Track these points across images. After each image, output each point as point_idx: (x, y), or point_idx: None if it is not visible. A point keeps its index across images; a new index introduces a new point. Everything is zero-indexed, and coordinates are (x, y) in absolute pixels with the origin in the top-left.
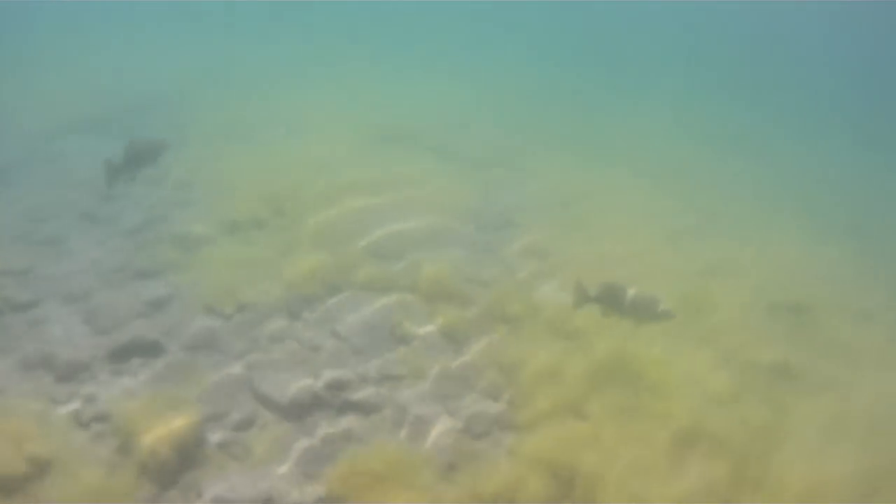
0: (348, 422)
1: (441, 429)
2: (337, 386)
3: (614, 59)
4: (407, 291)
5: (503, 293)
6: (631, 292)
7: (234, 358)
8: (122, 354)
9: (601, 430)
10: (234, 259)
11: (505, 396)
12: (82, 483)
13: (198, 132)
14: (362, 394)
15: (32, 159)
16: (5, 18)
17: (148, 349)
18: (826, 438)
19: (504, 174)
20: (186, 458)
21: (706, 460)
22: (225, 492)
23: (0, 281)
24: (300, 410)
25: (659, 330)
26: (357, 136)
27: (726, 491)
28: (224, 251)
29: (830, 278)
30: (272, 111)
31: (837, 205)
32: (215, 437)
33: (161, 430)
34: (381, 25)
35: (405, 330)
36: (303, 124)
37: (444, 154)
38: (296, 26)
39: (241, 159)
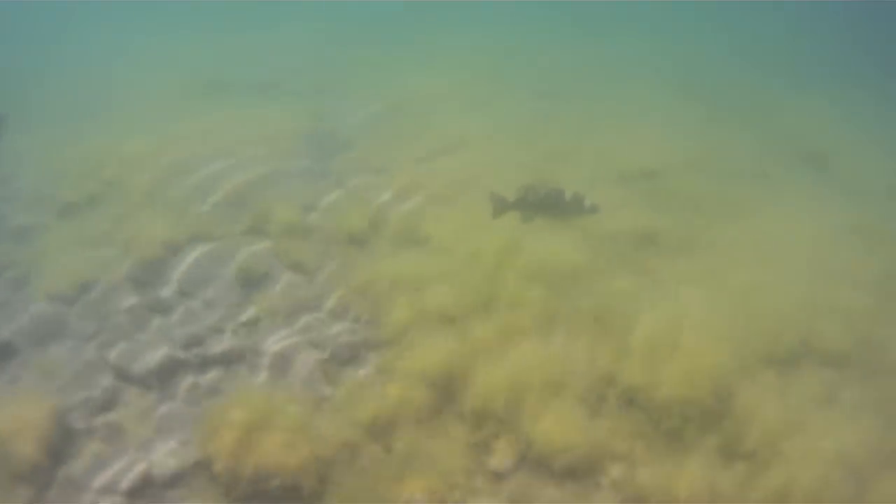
0: (212, 378)
1: (306, 362)
2: (194, 343)
3: None
4: (247, 234)
5: (344, 213)
6: (569, 193)
7: (86, 340)
8: None
9: (467, 332)
10: (70, 241)
11: (366, 317)
12: None
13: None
14: (221, 346)
15: None
16: None
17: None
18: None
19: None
20: (58, 452)
21: (570, 336)
22: (104, 479)
23: None
24: (162, 378)
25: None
26: (188, 93)
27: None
28: (58, 236)
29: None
30: (99, 85)
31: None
32: (82, 424)
33: (25, 431)
34: None
35: (254, 273)
36: (133, 92)
37: (269, 92)
38: None
39: (71, 140)
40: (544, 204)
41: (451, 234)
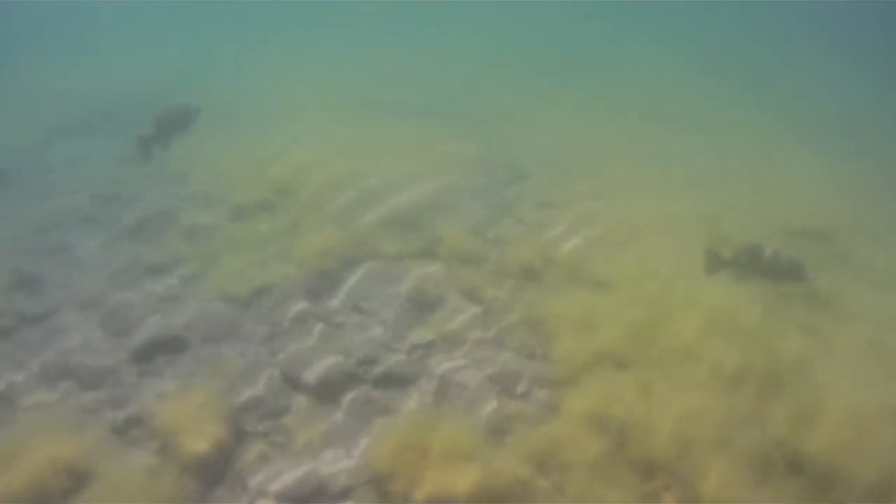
0: (385, 396)
1: (477, 391)
2: (367, 360)
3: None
4: (424, 258)
5: (520, 246)
6: (768, 251)
7: (258, 344)
8: (146, 355)
9: (644, 378)
10: (244, 244)
11: (539, 352)
12: (125, 491)
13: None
14: (394, 366)
15: (24, 168)
16: None
17: (171, 346)
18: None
19: (507, 131)
20: (228, 452)
21: (758, 398)
22: (272, 483)
23: (11, 295)
24: (334, 390)
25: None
26: (350, 109)
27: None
28: (231, 238)
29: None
30: (262, 95)
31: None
32: (253, 426)
33: (198, 427)
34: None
35: (428, 296)
36: (296, 103)
37: (442, 116)
38: (268, 18)
39: (238, 144)
40: (764, 267)
41: (625, 276)
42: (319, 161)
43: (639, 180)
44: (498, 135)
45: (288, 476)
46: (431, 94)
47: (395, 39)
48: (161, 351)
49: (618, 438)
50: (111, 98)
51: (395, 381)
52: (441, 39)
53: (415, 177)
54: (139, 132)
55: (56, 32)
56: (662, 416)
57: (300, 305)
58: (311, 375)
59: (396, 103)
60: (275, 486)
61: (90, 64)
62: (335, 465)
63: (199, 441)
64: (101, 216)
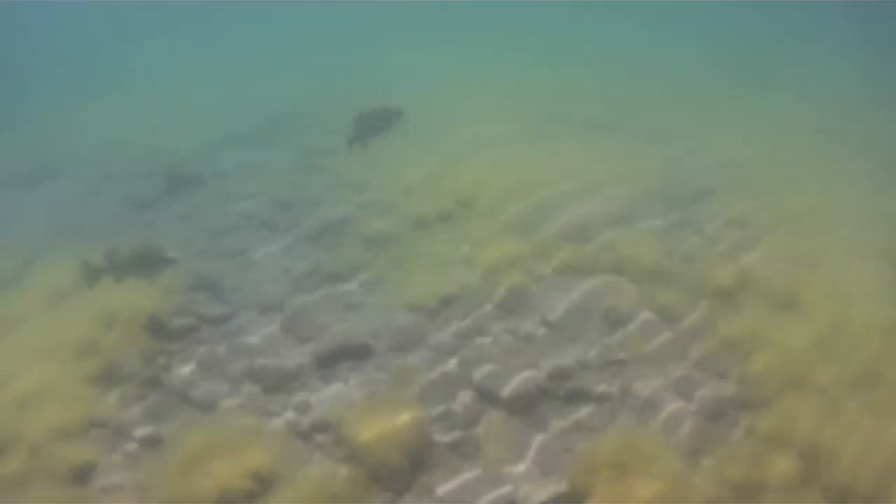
0: (578, 412)
1: (674, 412)
2: (559, 375)
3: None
4: (611, 273)
5: (711, 266)
6: None
7: (446, 354)
8: (330, 360)
9: (840, 404)
10: (427, 255)
11: (733, 374)
12: (311, 496)
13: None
14: (587, 382)
15: (200, 175)
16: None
17: (355, 353)
18: None
19: (680, 147)
20: (417, 461)
21: None
22: (464, 495)
23: (192, 296)
24: (525, 404)
25: None
26: (524, 122)
27: None
28: (414, 247)
29: None
30: (433, 103)
31: None
32: (442, 437)
33: (388, 435)
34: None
35: (618, 312)
36: (464, 115)
37: (614, 131)
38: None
39: (414, 153)
40: None
41: (817, 298)
42: (497, 172)
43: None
44: (674, 149)
45: (478, 489)
46: (603, 107)
47: (567, 54)
48: (346, 357)
49: (812, 463)
50: (275, 107)
51: (588, 398)
52: (612, 52)
53: (593, 190)
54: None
55: (211, 41)
56: (857, 441)
57: (490, 317)
58: (501, 388)
59: (569, 116)
60: (466, 499)
61: (247, 73)
62: (526, 480)
63: (390, 451)
64: (280, 222)
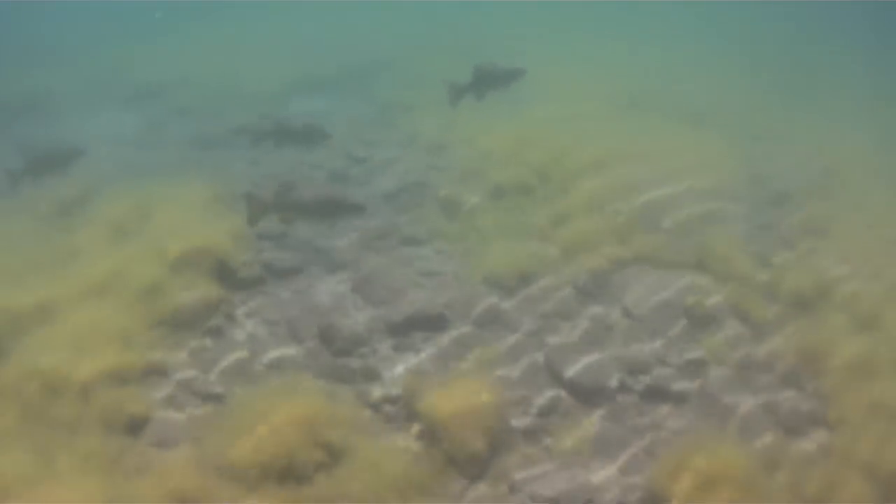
0: (657, 410)
1: (752, 421)
2: (639, 370)
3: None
4: (694, 268)
5: (793, 273)
6: None
7: (525, 335)
8: (403, 328)
9: None
10: (506, 227)
11: (811, 388)
12: (381, 472)
13: (432, 96)
14: (667, 379)
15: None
16: None
17: (430, 323)
18: None
19: (766, 144)
20: (495, 446)
21: None
22: (540, 487)
23: (258, 244)
24: (604, 395)
25: None
26: (606, 103)
27: None
28: (493, 218)
29: None
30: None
31: None
32: (518, 423)
33: (466, 415)
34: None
35: (702, 311)
36: (547, 90)
37: (701, 120)
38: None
39: (495, 120)
40: None
41: None
42: (580, 147)
43: None
44: (760, 149)
45: (555, 481)
46: (691, 97)
47: (664, 37)
48: (420, 327)
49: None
50: (351, 58)
51: (664, 395)
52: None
53: (675, 177)
54: (452, 80)
55: None
56: None
57: (569, 300)
58: (579, 376)
59: (656, 101)
60: (542, 490)
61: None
62: (604, 475)
63: (470, 435)
64: (353, 177)
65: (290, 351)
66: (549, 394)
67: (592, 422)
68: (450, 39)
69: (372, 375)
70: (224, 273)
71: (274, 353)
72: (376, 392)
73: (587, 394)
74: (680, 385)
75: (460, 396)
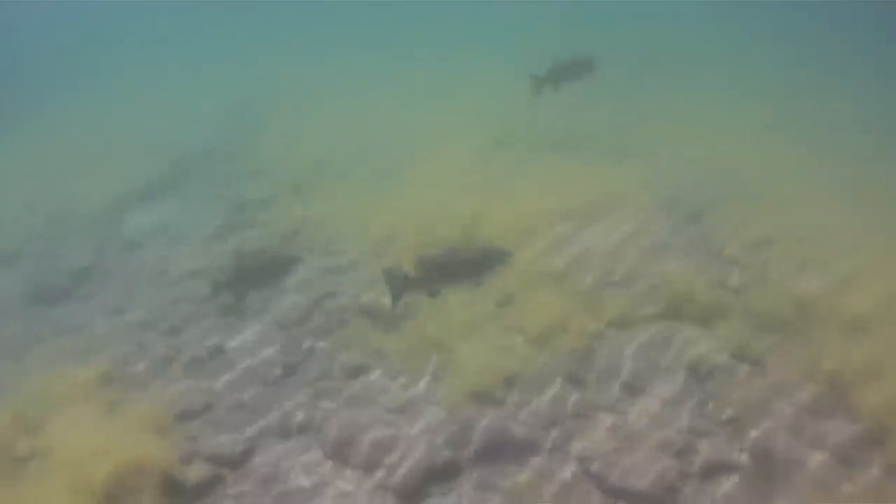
0: (722, 486)
1: (814, 466)
2: (685, 450)
3: None
4: (669, 318)
5: (761, 294)
6: None
7: (547, 453)
8: (412, 492)
9: None
10: (455, 323)
11: (847, 410)
12: None
13: (283, 177)
14: (715, 451)
15: (107, 253)
16: None
17: (441, 474)
18: None
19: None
20: None
21: None
22: None
23: (185, 427)
24: (668, 489)
25: None
26: (476, 149)
27: None
28: (436, 317)
29: None
30: (365, 133)
31: None
32: None
33: None
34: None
35: (703, 364)
36: (416, 140)
37: (578, 147)
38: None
39: (376, 196)
40: None
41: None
42: (484, 208)
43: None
44: (644, 164)
45: None
46: (554, 123)
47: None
48: (432, 482)
49: None
50: (179, 151)
51: (723, 468)
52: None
53: (597, 220)
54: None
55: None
56: None
57: (564, 394)
58: (634, 482)
59: (521, 136)
60: None
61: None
62: None
63: None
64: (245, 307)
65: None
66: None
67: None
68: (272, 107)
69: None
70: (173, 490)
71: None
72: None
73: (651, 498)
74: (729, 452)
75: None
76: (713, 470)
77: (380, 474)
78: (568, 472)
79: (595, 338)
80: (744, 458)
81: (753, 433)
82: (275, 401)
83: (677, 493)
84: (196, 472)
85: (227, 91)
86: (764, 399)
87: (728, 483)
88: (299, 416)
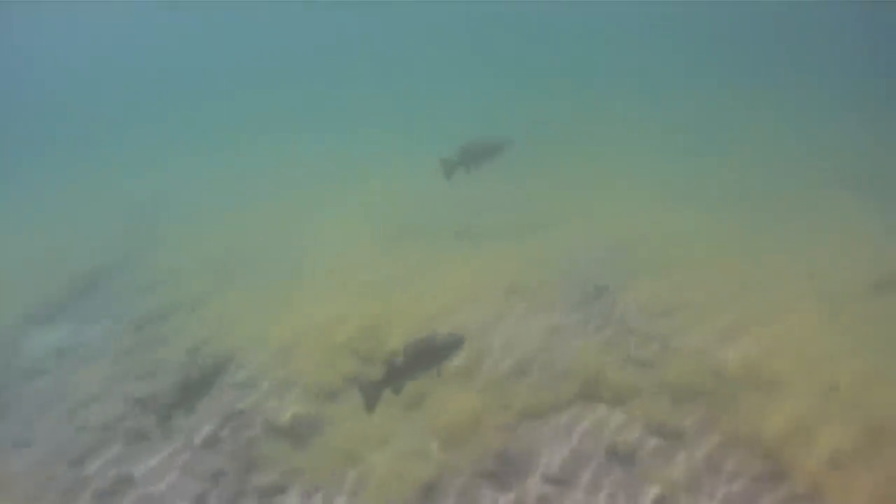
0: None
1: None
2: None
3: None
4: (583, 400)
5: (674, 365)
6: None
7: None
8: None
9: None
10: (365, 434)
11: (773, 471)
12: None
13: (181, 289)
14: None
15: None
16: None
17: None
18: None
19: (550, 237)
20: None
21: None
22: None
23: None
24: None
25: None
26: (374, 238)
27: None
28: (345, 430)
29: None
30: (264, 229)
31: None
32: None
33: None
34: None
35: (620, 445)
36: (311, 238)
37: (479, 234)
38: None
39: (274, 306)
40: None
41: (798, 370)
42: (392, 312)
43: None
44: (544, 244)
45: None
46: (461, 207)
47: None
48: None
49: None
50: (79, 265)
51: None
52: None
53: (504, 312)
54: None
55: None
56: None
57: (492, 497)
58: None
59: (421, 225)
60: None
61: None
62: None
63: None
64: (152, 431)
65: None
66: None
67: None
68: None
69: None
70: None
71: None
72: None
73: None
74: None
75: None
76: None
77: None
78: None
79: (508, 430)
80: None
81: None
82: None
83: None
84: None
85: (129, 198)
86: (689, 471)
87: None
88: None
